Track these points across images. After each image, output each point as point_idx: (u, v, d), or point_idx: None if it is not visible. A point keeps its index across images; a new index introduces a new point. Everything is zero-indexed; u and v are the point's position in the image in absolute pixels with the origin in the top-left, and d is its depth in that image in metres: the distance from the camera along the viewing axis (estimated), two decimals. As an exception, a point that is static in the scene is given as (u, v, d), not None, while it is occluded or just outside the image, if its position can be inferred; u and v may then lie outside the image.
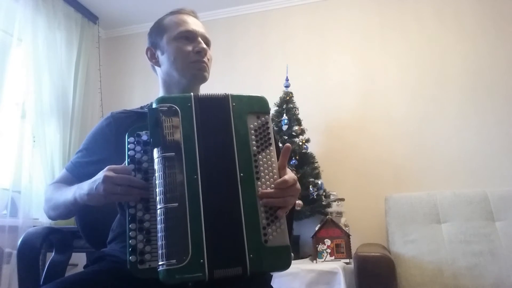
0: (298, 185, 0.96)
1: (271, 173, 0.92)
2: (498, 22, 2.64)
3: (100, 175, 0.91)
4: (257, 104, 0.97)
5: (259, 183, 0.91)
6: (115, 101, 3.29)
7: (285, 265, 0.90)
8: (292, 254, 0.92)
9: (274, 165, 0.93)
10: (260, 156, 0.92)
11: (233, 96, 0.95)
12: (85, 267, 1.08)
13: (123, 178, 0.88)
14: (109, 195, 0.90)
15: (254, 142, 0.93)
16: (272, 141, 0.95)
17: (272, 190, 0.91)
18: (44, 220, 2.47)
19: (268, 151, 0.93)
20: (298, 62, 2.93)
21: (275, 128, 2.49)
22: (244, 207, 0.88)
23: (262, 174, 0.92)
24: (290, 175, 0.94)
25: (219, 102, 0.95)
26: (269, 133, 0.95)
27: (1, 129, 2.34)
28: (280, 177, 0.93)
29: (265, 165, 0.92)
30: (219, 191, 0.88)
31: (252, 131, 0.94)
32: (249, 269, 0.85)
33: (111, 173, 0.90)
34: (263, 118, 0.95)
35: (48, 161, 2.55)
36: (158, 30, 1.23)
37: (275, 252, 0.88)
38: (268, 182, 0.92)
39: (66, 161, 2.64)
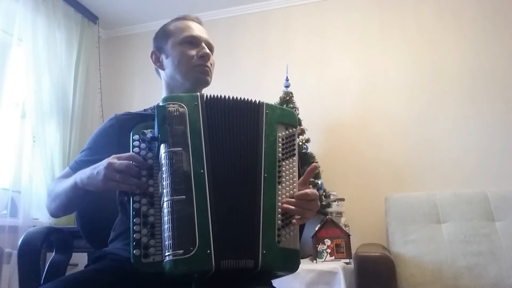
0: (318, 202, 1.00)
1: (291, 180, 0.98)
2: (498, 22, 2.64)
3: (104, 161, 0.93)
4: (288, 117, 1.03)
5: (279, 187, 0.96)
6: (115, 101, 3.29)
7: (293, 268, 0.95)
8: (300, 259, 0.96)
9: (295, 173, 0.99)
10: (283, 163, 0.98)
11: (267, 105, 1.01)
12: (86, 267, 1.07)
13: (124, 164, 0.89)
14: (107, 181, 0.91)
15: (280, 149, 0.99)
16: (296, 152, 1.01)
17: (294, 200, 0.95)
18: (44, 220, 2.47)
19: (291, 159, 1.00)
20: (298, 62, 2.93)
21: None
22: (264, 206, 0.92)
23: (284, 179, 0.97)
24: (312, 190, 0.99)
25: (247, 107, 1.00)
26: (294, 145, 1.01)
27: (1, 129, 2.34)
28: (299, 190, 0.98)
29: (287, 172, 0.98)
30: (234, 186, 0.92)
31: (280, 139, 1.00)
32: (260, 264, 0.88)
33: (114, 160, 0.91)
34: (290, 130, 1.02)
35: (48, 161, 2.55)
36: (163, 34, 1.26)
37: (286, 253, 0.93)
38: (287, 188, 0.97)
39: (66, 161, 2.64)
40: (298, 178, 1.01)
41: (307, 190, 0.97)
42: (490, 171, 2.47)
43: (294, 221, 0.94)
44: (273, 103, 1.05)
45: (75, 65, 2.90)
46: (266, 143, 0.97)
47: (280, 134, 1.00)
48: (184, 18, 1.28)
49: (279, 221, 0.93)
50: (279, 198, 0.95)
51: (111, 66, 3.39)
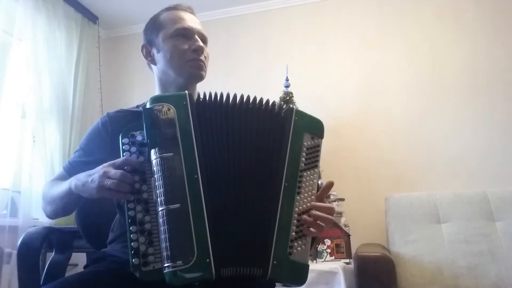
0: (334, 219, 0.98)
1: (310, 192, 0.95)
2: (498, 21, 2.64)
3: (99, 168, 0.91)
4: (315, 126, 1.00)
5: (298, 197, 0.92)
6: (115, 101, 3.28)
7: (301, 282, 0.91)
8: (308, 274, 0.92)
9: (314, 186, 0.96)
10: (305, 174, 0.94)
11: (297, 111, 0.98)
12: (85, 267, 1.07)
13: (118, 173, 0.86)
14: (101, 189, 0.88)
15: (303, 159, 0.95)
16: (319, 164, 0.98)
17: (315, 213, 0.92)
18: (44, 220, 2.47)
19: (313, 171, 0.96)
20: (298, 62, 2.93)
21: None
22: (281, 215, 0.89)
23: (303, 190, 0.94)
24: (333, 206, 0.97)
25: (264, 110, 0.96)
26: (317, 156, 0.98)
27: (1, 129, 2.34)
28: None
29: (307, 183, 0.95)
30: (238, 191, 0.89)
31: (305, 149, 0.96)
32: (269, 274, 0.86)
33: (109, 169, 0.88)
34: (316, 140, 0.98)
35: (48, 161, 2.55)
36: (153, 27, 1.21)
37: (296, 267, 0.90)
38: (305, 200, 0.94)
39: (66, 161, 2.64)
40: (317, 191, 0.98)
41: (332, 206, 0.95)
42: (490, 171, 2.47)
43: (305, 230, 0.91)
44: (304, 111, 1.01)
45: (75, 65, 2.89)
46: (291, 151, 0.93)
47: (305, 143, 0.96)
48: (175, 8, 1.21)
49: (293, 233, 0.90)
50: (296, 209, 0.91)
51: (111, 66, 3.39)
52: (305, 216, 0.91)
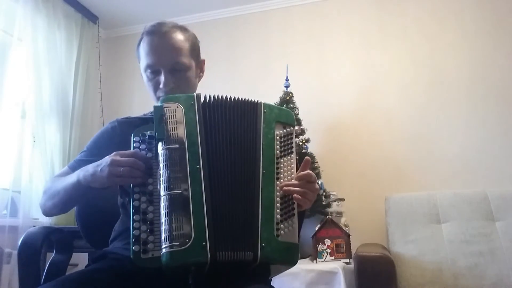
0: (317, 186, 1.03)
1: (289, 177, 1.01)
2: (498, 22, 2.64)
3: (106, 158, 0.95)
4: (285, 116, 1.07)
5: (278, 182, 0.99)
6: (115, 101, 3.29)
7: (292, 262, 0.97)
8: (299, 253, 0.98)
9: (293, 170, 1.02)
10: (281, 160, 1.01)
11: (265, 104, 1.05)
12: (86, 266, 1.08)
13: (128, 161, 0.91)
14: (112, 177, 0.92)
15: (278, 147, 1.02)
16: (294, 150, 1.04)
17: (295, 182, 0.98)
18: (44, 220, 2.47)
19: (289, 157, 1.03)
20: (298, 62, 2.93)
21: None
22: (262, 200, 0.95)
23: (282, 175, 1.00)
24: (311, 172, 1.02)
25: (245, 106, 1.03)
26: (292, 143, 1.04)
27: (1, 129, 2.34)
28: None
29: (285, 168, 1.02)
30: (231, 181, 0.95)
31: (278, 137, 1.03)
32: (259, 257, 0.90)
33: (117, 157, 0.93)
34: (288, 129, 1.05)
35: (48, 161, 2.55)
36: (137, 53, 1.21)
37: (285, 247, 0.95)
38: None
39: (66, 161, 2.64)
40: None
41: (309, 171, 0.99)
42: (490, 171, 2.47)
43: (295, 197, 0.96)
44: (272, 103, 1.09)
45: (75, 65, 2.90)
46: (264, 141, 1.00)
47: (278, 133, 1.03)
48: (152, 32, 1.15)
49: (278, 215, 0.95)
50: (278, 193, 0.97)
51: (111, 66, 3.39)
52: (287, 188, 0.97)
